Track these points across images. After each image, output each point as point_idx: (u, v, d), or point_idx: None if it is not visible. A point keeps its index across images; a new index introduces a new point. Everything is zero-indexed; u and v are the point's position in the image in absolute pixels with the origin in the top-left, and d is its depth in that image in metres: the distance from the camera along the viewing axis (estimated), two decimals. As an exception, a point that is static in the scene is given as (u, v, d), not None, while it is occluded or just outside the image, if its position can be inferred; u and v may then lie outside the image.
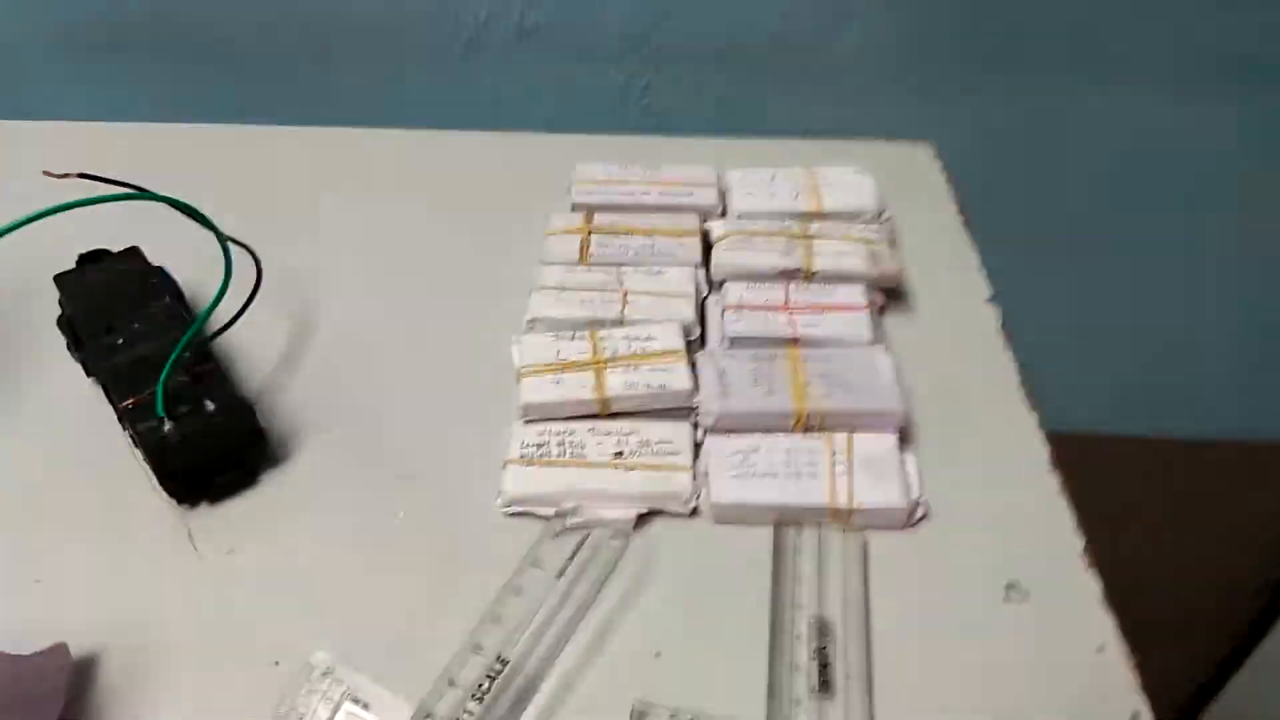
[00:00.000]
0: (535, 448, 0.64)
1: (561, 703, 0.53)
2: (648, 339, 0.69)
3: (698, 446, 0.66)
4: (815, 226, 0.80)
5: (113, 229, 0.74)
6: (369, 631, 0.56)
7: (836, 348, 0.70)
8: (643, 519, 0.62)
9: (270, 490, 0.64)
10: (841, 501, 0.61)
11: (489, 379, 0.70)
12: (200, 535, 0.61)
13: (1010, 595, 0.59)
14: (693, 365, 0.69)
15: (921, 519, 0.63)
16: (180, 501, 0.62)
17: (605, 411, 0.66)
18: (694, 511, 0.63)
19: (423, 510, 0.63)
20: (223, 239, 0.60)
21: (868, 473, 0.63)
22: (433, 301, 0.79)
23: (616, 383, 0.66)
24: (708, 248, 0.80)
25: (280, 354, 0.73)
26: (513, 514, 0.62)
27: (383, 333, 0.76)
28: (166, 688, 0.54)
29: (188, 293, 0.76)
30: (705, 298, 0.77)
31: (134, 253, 0.74)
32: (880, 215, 0.82)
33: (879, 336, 0.72)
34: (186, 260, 0.72)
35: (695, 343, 0.72)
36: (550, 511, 0.62)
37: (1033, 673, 0.55)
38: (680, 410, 0.67)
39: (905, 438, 0.66)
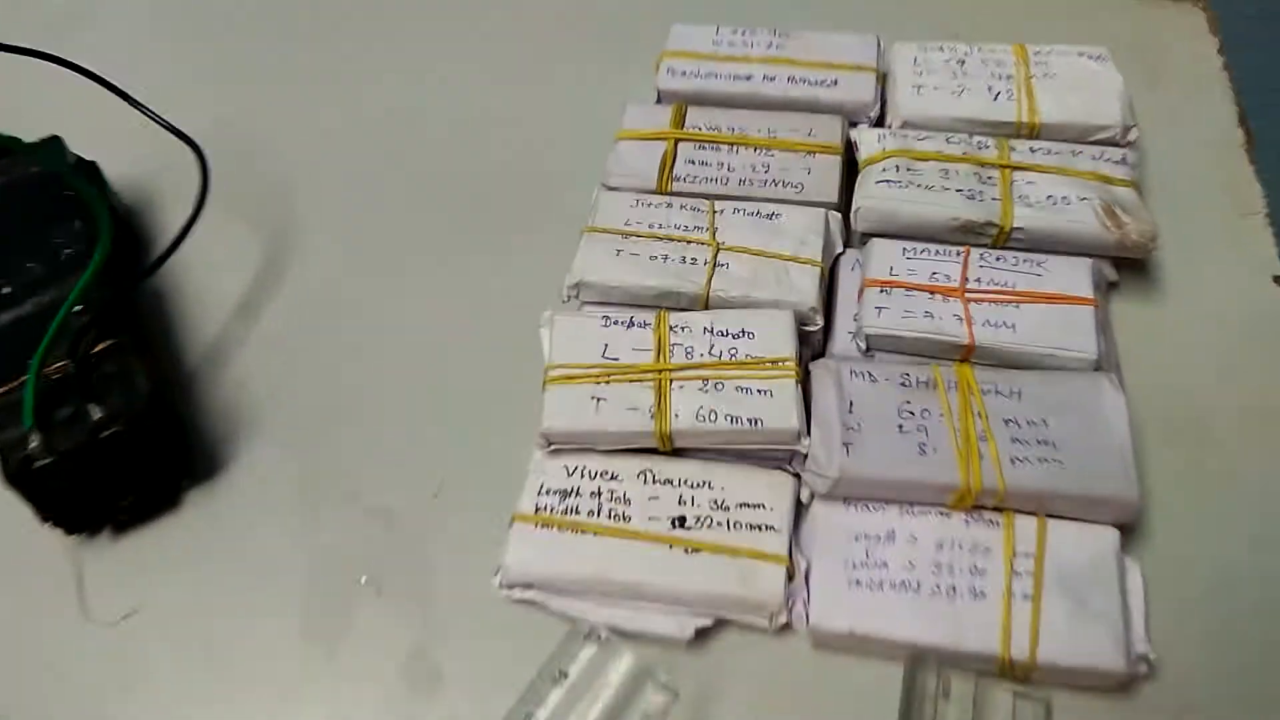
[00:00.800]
0: (558, 497, 0.44)
1: None
2: (741, 335, 0.46)
3: (801, 511, 0.44)
4: (1022, 148, 0.52)
5: (42, 106, 0.55)
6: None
7: (1036, 372, 0.45)
8: (704, 629, 0.42)
9: (193, 519, 0.46)
10: (1019, 651, 0.39)
11: (514, 369, 0.49)
12: (94, 584, 0.44)
13: (1278, 828, 0.37)
14: (805, 381, 0.46)
15: (1144, 678, 0.40)
16: (70, 533, 0.45)
17: (666, 448, 0.45)
18: (785, 625, 0.42)
19: (393, 574, 0.44)
20: (85, 192, 0.39)
21: (1066, 599, 0.40)
22: (445, 238, 0.56)
23: (687, 407, 0.44)
24: (852, 169, 0.54)
25: (231, 305, 0.53)
26: (516, 600, 0.43)
27: (371, 284, 0.54)
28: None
29: (133, 197, 0.56)
30: (840, 254, 0.52)
31: (53, 144, 0.54)
32: (1126, 133, 0.53)
33: (1108, 355, 0.47)
34: (140, 149, 0.52)
35: (815, 335, 0.48)
36: (567, 608, 0.42)
37: None
38: (778, 453, 0.45)
39: (1128, 530, 0.43)
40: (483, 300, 0.53)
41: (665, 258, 0.49)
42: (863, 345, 0.47)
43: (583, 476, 0.44)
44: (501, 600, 0.43)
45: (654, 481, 0.44)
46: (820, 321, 0.48)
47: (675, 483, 0.44)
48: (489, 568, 0.43)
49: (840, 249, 0.52)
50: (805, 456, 0.44)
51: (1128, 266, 0.51)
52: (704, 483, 0.44)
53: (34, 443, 0.42)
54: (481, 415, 0.49)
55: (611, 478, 0.44)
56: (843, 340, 0.49)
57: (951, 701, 0.39)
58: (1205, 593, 0.42)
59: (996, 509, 0.42)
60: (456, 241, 0.56)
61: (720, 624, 0.42)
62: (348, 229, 0.57)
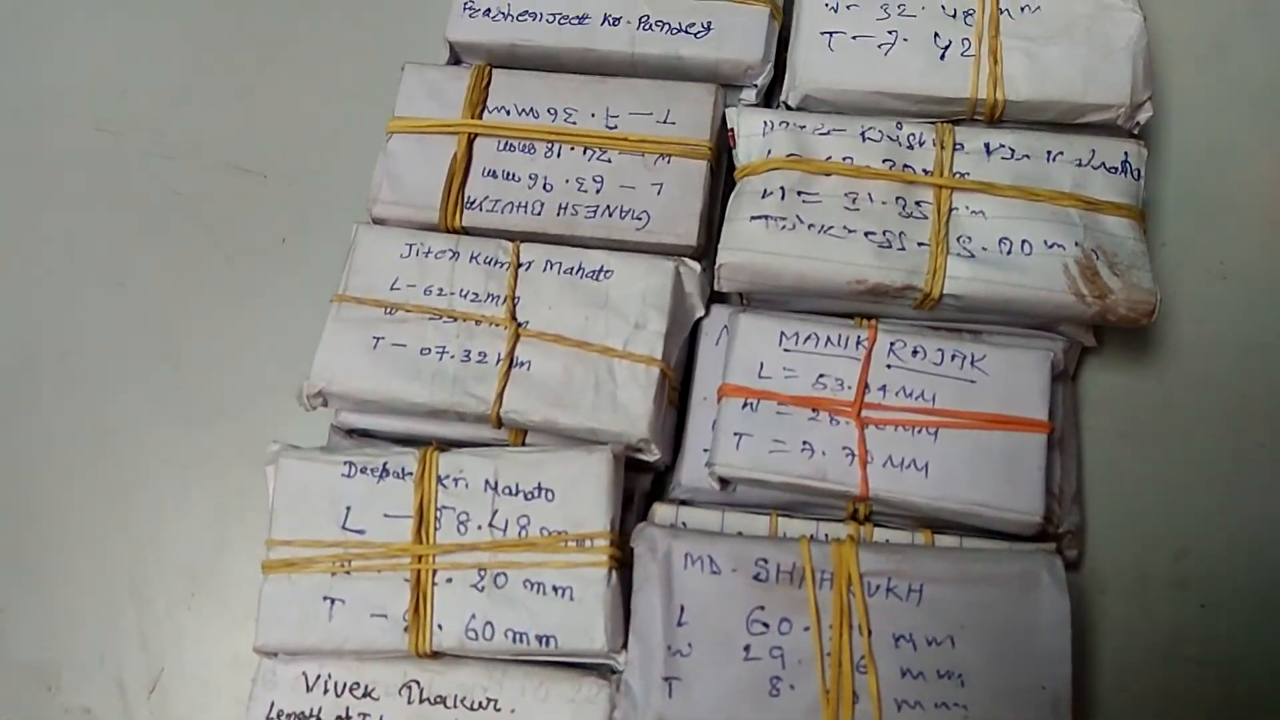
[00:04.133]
0: (293, 723, 0.33)
1: None
2: (537, 493, 0.32)
3: (622, 727, 0.33)
4: (974, 144, 0.35)
5: None
6: None
7: (947, 554, 0.32)
8: None
9: None
10: None
11: (255, 500, 0.36)
12: None
13: None
14: (624, 564, 0.33)
15: None
16: None
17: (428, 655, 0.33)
18: None
19: (100, 809, 0.34)
20: None
21: None
22: (143, 289, 0.41)
23: (455, 615, 0.31)
24: (730, 177, 0.37)
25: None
26: None
27: (59, 369, 0.40)
28: None
29: None
30: (701, 318, 0.37)
31: None
32: (1136, 112, 0.35)
33: (1064, 483, 0.33)
34: None
35: (652, 473, 0.35)
36: None
37: None
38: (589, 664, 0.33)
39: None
40: (208, 391, 0.39)
41: (443, 352, 0.34)
42: (716, 486, 0.34)
43: (325, 692, 0.33)
44: None
45: (421, 699, 0.33)
46: (657, 453, 0.34)
47: (450, 702, 0.32)
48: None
49: (701, 311, 0.36)
50: (617, 678, 0.32)
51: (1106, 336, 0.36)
52: (488, 701, 0.32)
53: None
54: (210, 575, 0.37)
55: (364, 694, 0.33)
56: (696, 459, 0.35)
57: None
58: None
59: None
60: (160, 295, 0.41)
61: None
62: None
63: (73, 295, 0.41)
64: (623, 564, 0.32)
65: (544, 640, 0.31)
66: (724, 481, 0.34)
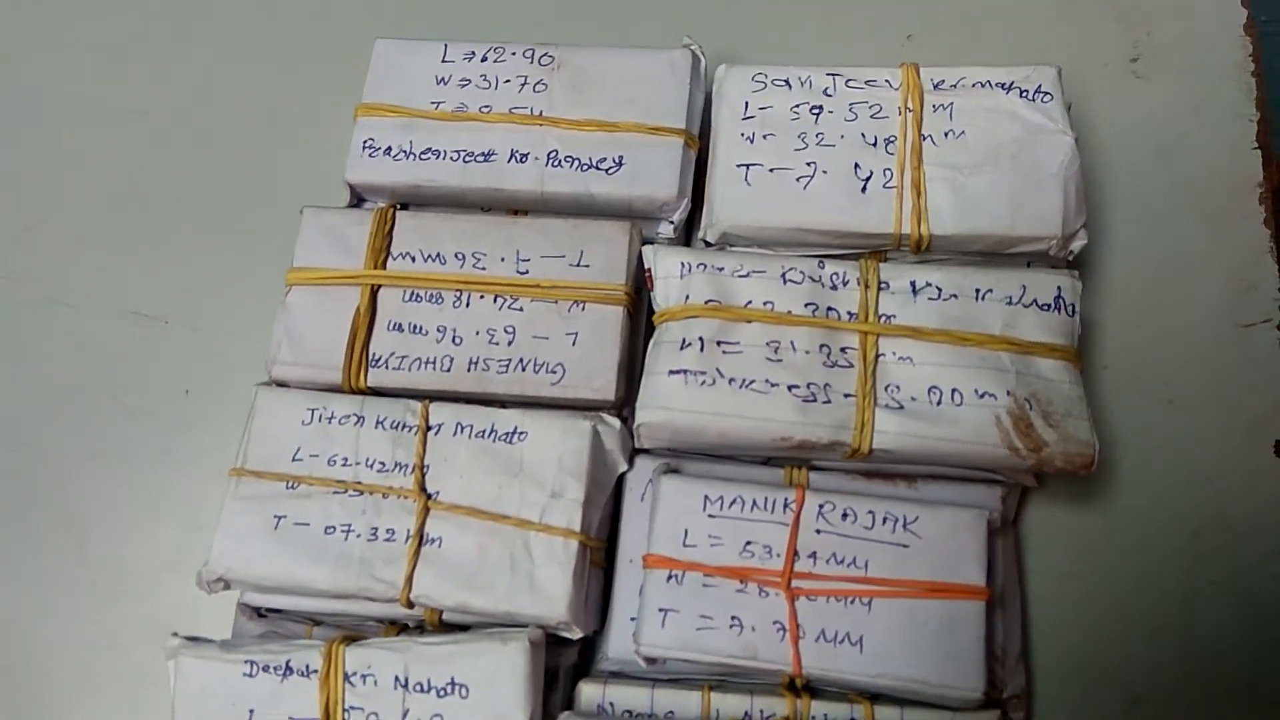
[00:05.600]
0: None
1: None
2: (450, 689, 0.30)
3: None
4: (900, 283, 0.33)
5: None
6: None
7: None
8: None
9: None
10: None
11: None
12: None
13: None
14: (549, 757, 0.31)
15: None
16: None
17: None
18: None
19: None
20: None
21: None
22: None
23: (367, 822, 0.30)
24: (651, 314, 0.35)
25: None
26: None
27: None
28: None
29: None
30: (624, 473, 0.35)
31: None
32: (1068, 242, 0.34)
33: (1007, 639, 0.31)
34: None
35: (577, 645, 0.33)
36: None
37: None
38: None
39: None
40: (112, 562, 0.37)
41: (348, 530, 0.32)
42: (643, 664, 0.32)
43: None
44: None
45: None
46: (579, 633, 0.32)
47: None
48: None
49: (623, 467, 0.34)
50: None
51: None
52: None
53: None
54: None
55: None
56: (624, 628, 0.33)
57: None
58: None
59: None
60: (59, 456, 0.39)
61: None
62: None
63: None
64: (547, 758, 0.30)
65: None
66: (652, 659, 0.32)
